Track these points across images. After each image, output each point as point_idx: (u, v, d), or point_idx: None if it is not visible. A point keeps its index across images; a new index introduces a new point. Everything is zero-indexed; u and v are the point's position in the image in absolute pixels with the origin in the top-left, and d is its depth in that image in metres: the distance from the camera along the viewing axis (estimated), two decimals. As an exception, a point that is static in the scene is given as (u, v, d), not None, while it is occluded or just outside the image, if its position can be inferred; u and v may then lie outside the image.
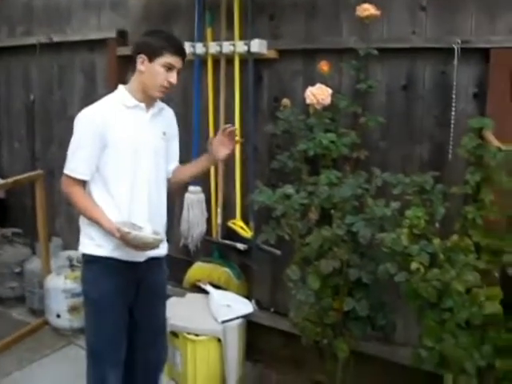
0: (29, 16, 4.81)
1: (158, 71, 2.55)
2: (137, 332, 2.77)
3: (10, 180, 4.37)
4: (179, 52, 2.58)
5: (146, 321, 2.79)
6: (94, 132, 2.53)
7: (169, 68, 2.55)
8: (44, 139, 4.82)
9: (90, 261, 2.67)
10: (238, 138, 2.86)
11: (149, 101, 2.65)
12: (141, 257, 2.66)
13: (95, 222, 2.57)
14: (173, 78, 2.57)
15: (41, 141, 4.85)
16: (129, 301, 2.71)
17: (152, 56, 2.54)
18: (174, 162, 2.88)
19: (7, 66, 5.04)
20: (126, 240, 2.48)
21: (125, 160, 2.58)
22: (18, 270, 4.58)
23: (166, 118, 2.79)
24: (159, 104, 2.73)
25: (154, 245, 2.55)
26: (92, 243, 2.64)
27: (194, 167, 2.92)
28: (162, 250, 2.76)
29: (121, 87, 2.67)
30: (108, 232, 2.53)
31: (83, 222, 2.68)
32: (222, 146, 2.76)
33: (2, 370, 3.71)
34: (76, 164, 2.57)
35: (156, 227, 2.67)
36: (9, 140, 5.12)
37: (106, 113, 2.57)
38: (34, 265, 4.46)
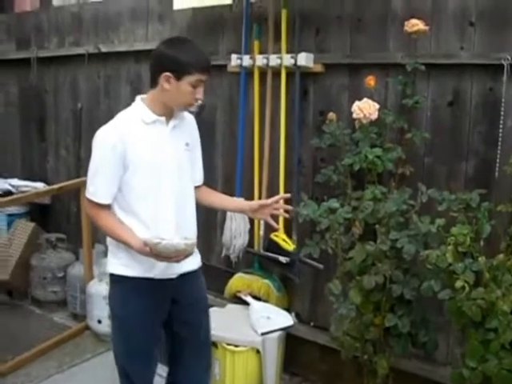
0: (78, 27, 4.91)
1: (185, 90, 2.40)
2: (184, 347, 2.70)
3: (55, 186, 4.46)
4: (208, 68, 2.44)
5: (191, 334, 2.70)
6: (112, 155, 2.40)
7: (197, 85, 2.42)
8: (90, 147, 4.87)
9: (117, 281, 2.58)
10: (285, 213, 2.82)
11: (168, 113, 2.52)
12: (172, 274, 2.56)
13: (123, 243, 2.45)
14: (200, 94, 2.44)
15: (86, 149, 4.93)
16: (161, 318, 2.62)
17: (180, 74, 2.37)
18: (199, 172, 2.77)
19: (56, 75, 5.14)
20: (156, 252, 2.32)
21: (147, 179, 2.47)
22: (60, 274, 4.66)
23: (187, 127, 2.65)
24: (179, 114, 2.58)
25: (188, 251, 2.37)
26: (119, 263, 2.55)
27: (227, 203, 2.90)
28: (195, 264, 2.69)
29: (138, 100, 2.52)
30: (138, 251, 2.39)
31: (111, 242, 2.57)
32: (265, 209, 2.72)
33: (43, 372, 3.77)
34: (96, 188, 2.46)
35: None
36: (56, 147, 5.22)
37: (123, 132, 2.42)
38: (77, 270, 4.52)
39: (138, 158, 2.43)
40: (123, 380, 2.69)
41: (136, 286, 2.52)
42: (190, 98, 2.44)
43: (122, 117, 2.51)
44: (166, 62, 2.40)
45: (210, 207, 2.94)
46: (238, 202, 2.90)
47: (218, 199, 2.88)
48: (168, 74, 2.38)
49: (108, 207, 2.50)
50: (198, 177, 2.77)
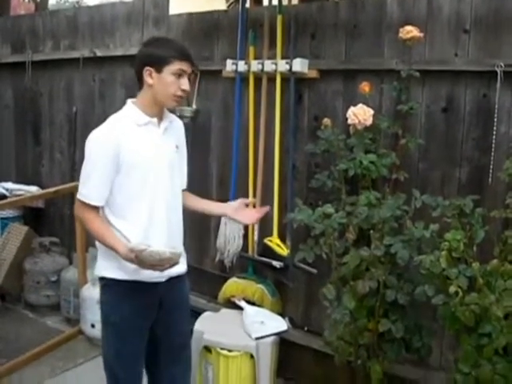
0: (73, 30, 4.91)
1: (168, 80, 2.44)
2: (161, 349, 2.70)
3: (50, 190, 4.46)
4: (187, 57, 2.48)
5: (170, 338, 2.70)
6: (106, 156, 2.42)
7: (179, 75, 2.45)
8: (84, 151, 4.88)
9: (108, 285, 2.57)
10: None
11: (160, 114, 2.56)
12: (162, 277, 2.53)
13: (110, 248, 2.44)
14: (185, 84, 2.47)
15: (81, 152, 4.90)
16: (150, 323, 2.62)
17: (159, 66, 2.43)
18: (184, 176, 2.77)
19: (51, 79, 5.14)
20: (142, 259, 2.32)
21: (141, 180, 2.48)
22: (54, 278, 4.65)
23: (176, 130, 2.69)
24: (169, 116, 2.63)
25: (173, 260, 2.38)
26: (111, 266, 2.53)
27: (212, 207, 2.88)
28: (182, 267, 2.65)
29: (129, 103, 2.56)
30: (124, 257, 2.39)
31: (102, 245, 2.56)
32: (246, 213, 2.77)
33: (35, 377, 3.77)
34: (89, 190, 2.47)
35: (175, 245, 2.56)
36: (50, 151, 5.21)
37: (117, 134, 2.44)
38: (71, 274, 4.51)
39: (131, 159, 2.45)
40: None
41: (127, 288, 2.53)
42: (175, 89, 2.46)
43: (114, 119, 2.53)
44: (145, 58, 2.48)
45: (195, 211, 2.88)
46: (222, 204, 2.88)
47: (203, 204, 2.88)
48: (148, 68, 2.45)
49: (98, 210, 2.51)
50: (184, 181, 2.78)
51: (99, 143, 2.44)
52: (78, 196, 2.50)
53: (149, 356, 2.72)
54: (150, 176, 2.49)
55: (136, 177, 2.47)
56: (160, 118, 2.56)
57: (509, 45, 2.86)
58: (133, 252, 2.33)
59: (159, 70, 2.44)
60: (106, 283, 2.58)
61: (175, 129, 2.68)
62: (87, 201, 2.47)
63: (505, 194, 2.70)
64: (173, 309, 2.68)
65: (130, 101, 2.57)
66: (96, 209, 2.50)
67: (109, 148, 2.41)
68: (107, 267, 2.55)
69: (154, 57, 2.46)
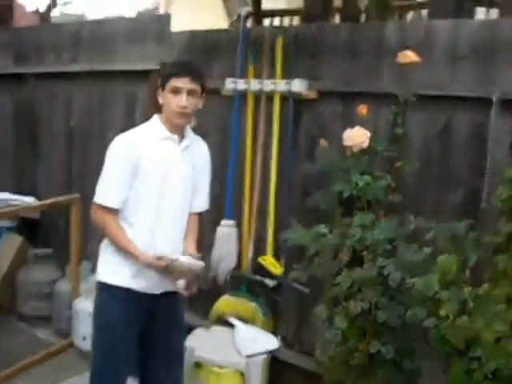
0: (75, 44, 4.94)
1: (168, 98, 2.54)
2: (150, 361, 2.73)
3: (47, 202, 4.46)
4: (182, 72, 2.53)
5: (160, 351, 2.73)
6: (127, 161, 2.54)
7: (175, 91, 2.52)
8: (81, 164, 4.91)
9: (104, 289, 2.65)
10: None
11: (181, 132, 2.64)
12: (157, 289, 2.63)
13: (129, 253, 2.54)
14: (181, 101, 2.51)
15: (78, 165, 4.94)
16: (139, 330, 2.66)
17: (163, 85, 2.56)
18: (199, 199, 2.81)
19: (51, 91, 5.15)
20: (171, 269, 2.44)
21: (153, 189, 2.58)
22: (47, 290, 4.62)
23: (197, 152, 2.75)
24: (193, 137, 2.72)
25: (198, 271, 2.52)
26: (109, 271, 2.63)
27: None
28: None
29: (155, 117, 2.67)
30: (143, 263, 2.49)
31: (105, 251, 2.66)
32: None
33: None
34: (109, 193, 2.57)
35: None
36: (47, 162, 5.22)
37: (139, 143, 2.57)
38: (64, 286, 4.50)
39: (148, 168, 2.55)
40: None
41: (122, 295, 2.59)
42: (174, 105, 2.54)
43: (139, 129, 2.67)
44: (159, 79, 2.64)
45: None
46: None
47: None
48: (159, 87, 2.61)
49: (116, 213, 2.57)
50: (197, 203, 2.81)
51: (120, 149, 2.58)
52: (97, 200, 2.58)
53: (143, 368, 2.76)
54: (163, 187, 2.59)
55: (149, 184, 2.58)
56: (181, 136, 2.64)
57: (505, 73, 2.90)
58: (162, 260, 2.44)
59: (163, 89, 2.57)
60: (102, 287, 2.65)
61: (196, 150, 2.74)
62: (106, 204, 2.56)
63: (498, 218, 2.72)
64: (165, 322, 2.73)
65: (156, 116, 2.67)
66: (113, 212, 2.57)
67: (129, 155, 2.54)
68: (105, 272, 2.64)
69: (159, 77, 2.64)
